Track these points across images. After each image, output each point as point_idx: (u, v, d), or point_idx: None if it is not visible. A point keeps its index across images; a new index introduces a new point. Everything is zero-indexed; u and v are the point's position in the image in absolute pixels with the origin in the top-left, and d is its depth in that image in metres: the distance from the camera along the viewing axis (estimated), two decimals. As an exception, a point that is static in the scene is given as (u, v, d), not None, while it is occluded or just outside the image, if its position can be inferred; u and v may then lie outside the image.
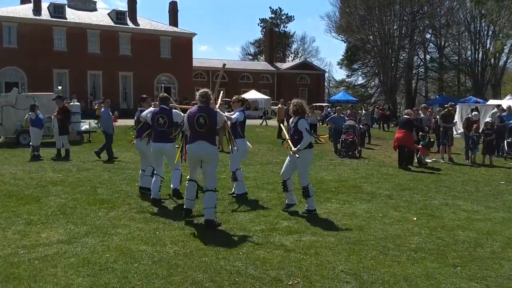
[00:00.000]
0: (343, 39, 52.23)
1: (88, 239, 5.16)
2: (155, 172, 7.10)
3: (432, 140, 12.99)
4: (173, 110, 6.88)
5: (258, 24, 75.42)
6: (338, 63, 63.70)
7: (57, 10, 37.33)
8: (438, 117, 14.75)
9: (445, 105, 16.16)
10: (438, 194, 8.26)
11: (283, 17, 73.31)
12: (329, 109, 33.41)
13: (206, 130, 5.70)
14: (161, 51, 40.47)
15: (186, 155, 6.18)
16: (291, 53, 73.31)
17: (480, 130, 13.90)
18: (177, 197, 7.03)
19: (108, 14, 41.17)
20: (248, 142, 7.79)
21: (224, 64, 8.62)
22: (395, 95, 47.80)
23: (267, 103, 40.09)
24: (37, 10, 36.65)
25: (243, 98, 8.10)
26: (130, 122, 10.47)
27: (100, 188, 8.05)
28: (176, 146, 7.20)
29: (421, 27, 45.46)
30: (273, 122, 26.74)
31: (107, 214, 6.26)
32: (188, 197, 6.02)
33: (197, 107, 5.83)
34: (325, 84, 59.36)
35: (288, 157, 6.71)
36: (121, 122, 19.12)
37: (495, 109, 17.13)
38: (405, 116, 11.95)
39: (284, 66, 54.77)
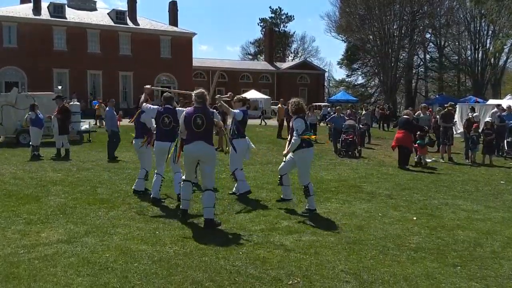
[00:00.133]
0: (343, 38, 52.30)
1: (88, 238, 5.16)
2: (156, 171, 7.11)
3: (433, 139, 12.97)
4: (177, 109, 6.89)
5: (258, 24, 75.52)
6: (338, 63, 63.87)
7: (57, 10, 37.36)
8: (438, 116, 14.75)
9: (445, 105, 16.17)
10: (438, 194, 8.26)
11: (283, 17, 73.37)
12: (328, 108, 33.44)
13: (203, 131, 5.70)
14: (161, 51, 40.50)
15: (179, 156, 6.14)
16: (291, 52, 73.40)
17: (480, 130, 13.90)
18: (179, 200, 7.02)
19: (108, 13, 41.20)
20: (251, 143, 7.72)
21: (219, 72, 8.58)
22: (395, 95, 47.83)
23: (267, 103, 40.10)
24: (37, 9, 36.67)
25: (244, 97, 8.08)
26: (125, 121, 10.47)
27: (100, 188, 8.05)
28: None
29: (421, 27, 45.49)
30: (273, 122, 26.74)
31: (107, 214, 6.26)
32: (184, 198, 6.01)
33: (193, 108, 5.83)
34: (325, 83, 59.35)
35: (289, 154, 6.72)
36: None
37: (495, 109, 17.14)
38: (405, 116, 11.95)
39: (284, 65, 54.76)
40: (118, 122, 13.01)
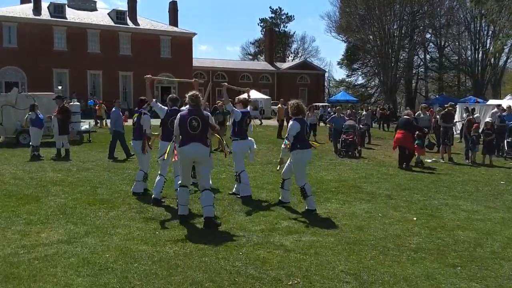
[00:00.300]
0: (343, 39, 52.27)
1: (88, 239, 5.16)
2: (159, 172, 7.14)
3: (433, 142, 12.96)
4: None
5: (258, 24, 75.51)
6: (338, 63, 63.84)
7: (57, 10, 37.37)
8: (438, 117, 14.75)
9: (445, 105, 16.16)
10: (438, 194, 8.26)
11: (283, 17, 73.35)
12: (329, 108, 33.43)
13: (199, 133, 5.71)
14: (161, 51, 40.52)
15: (176, 157, 6.15)
16: (291, 53, 73.39)
17: (480, 130, 13.90)
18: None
19: (108, 13, 41.21)
20: (254, 145, 7.68)
21: (211, 84, 8.62)
22: (395, 95, 47.83)
23: (267, 103, 40.08)
24: (37, 9, 36.68)
25: (245, 98, 8.07)
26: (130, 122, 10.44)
27: (100, 188, 8.05)
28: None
29: (421, 27, 45.50)
30: (273, 122, 26.74)
31: (107, 214, 6.26)
32: (182, 203, 5.98)
33: (187, 110, 5.85)
34: (325, 84, 59.35)
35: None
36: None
37: (495, 109, 17.14)
38: (405, 116, 11.94)
39: (284, 66, 54.77)
40: (124, 122, 13.02)
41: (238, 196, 7.42)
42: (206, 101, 7.80)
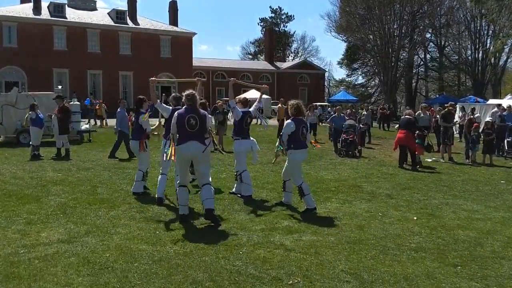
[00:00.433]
0: (343, 38, 52.18)
1: (88, 238, 5.16)
2: (161, 171, 7.15)
3: (431, 144, 12.92)
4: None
5: (258, 24, 75.55)
6: (338, 63, 63.75)
7: (57, 10, 37.36)
8: (438, 116, 14.75)
9: (445, 105, 16.15)
10: (438, 194, 8.26)
11: (283, 17, 73.31)
12: (329, 108, 33.39)
13: (197, 131, 5.75)
14: (161, 50, 40.51)
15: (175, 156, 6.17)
16: (291, 52, 73.36)
17: (480, 130, 13.90)
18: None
19: (108, 13, 41.19)
20: (256, 145, 7.65)
21: (202, 82, 8.57)
22: (395, 95, 47.81)
23: (267, 103, 40.04)
24: (37, 9, 36.68)
25: (245, 98, 8.08)
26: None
27: (100, 188, 8.06)
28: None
29: (421, 27, 45.46)
30: (273, 122, 26.72)
31: (107, 214, 6.26)
32: (182, 203, 5.99)
33: (184, 109, 5.88)
34: (325, 83, 59.34)
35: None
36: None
37: (495, 109, 17.13)
38: (407, 116, 11.89)
39: (284, 65, 54.73)
40: (129, 122, 13.00)
41: (239, 195, 7.42)
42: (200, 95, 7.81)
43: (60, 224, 5.72)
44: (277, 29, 69.01)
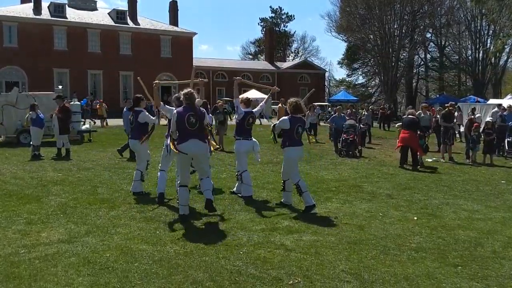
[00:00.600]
0: (344, 38, 52.24)
1: (89, 238, 5.16)
2: (160, 168, 7.16)
3: (428, 146, 12.88)
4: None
5: (258, 24, 75.60)
6: (339, 63, 63.70)
7: (57, 10, 37.38)
8: (438, 116, 14.74)
9: (446, 105, 16.14)
10: (438, 194, 8.25)
11: (283, 17, 73.31)
12: (329, 108, 33.35)
13: (197, 129, 5.80)
14: (161, 50, 40.52)
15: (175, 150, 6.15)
16: (292, 52, 73.33)
17: (481, 130, 13.89)
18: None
19: (108, 13, 41.21)
20: (257, 145, 7.63)
21: (194, 70, 8.58)
22: (396, 95, 47.83)
23: (267, 102, 40.02)
24: (37, 9, 36.69)
25: (247, 98, 8.07)
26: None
27: (101, 188, 8.05)
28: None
29: (422, 27, 45.49)
30: (273, 122, 26.71)
31: (107, 214, 6.26)
32: (182, 203, 5.99)
33: (183, 107, 5.89)
34: (326, 83, 59.33)
35: None
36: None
37: (496, 108, 17.12)
38: (410, 116, 11.83)
39: (284, 65, 54.71)
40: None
41: (240, 195, 7.42)
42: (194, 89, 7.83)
43: (61, 224, 5.71)
44: (277, 29, 69.01)
